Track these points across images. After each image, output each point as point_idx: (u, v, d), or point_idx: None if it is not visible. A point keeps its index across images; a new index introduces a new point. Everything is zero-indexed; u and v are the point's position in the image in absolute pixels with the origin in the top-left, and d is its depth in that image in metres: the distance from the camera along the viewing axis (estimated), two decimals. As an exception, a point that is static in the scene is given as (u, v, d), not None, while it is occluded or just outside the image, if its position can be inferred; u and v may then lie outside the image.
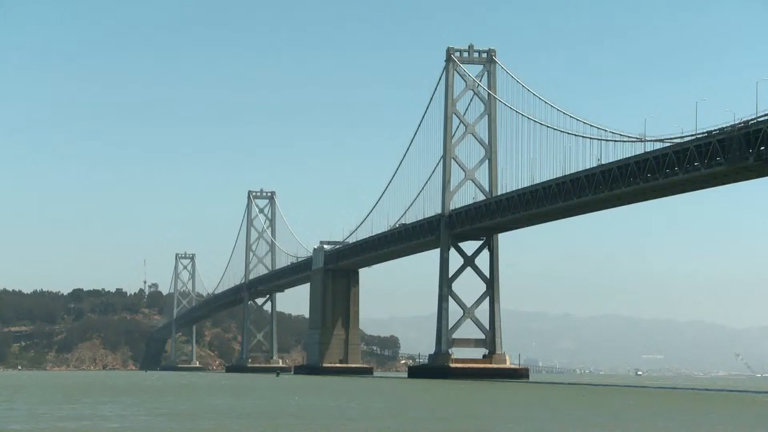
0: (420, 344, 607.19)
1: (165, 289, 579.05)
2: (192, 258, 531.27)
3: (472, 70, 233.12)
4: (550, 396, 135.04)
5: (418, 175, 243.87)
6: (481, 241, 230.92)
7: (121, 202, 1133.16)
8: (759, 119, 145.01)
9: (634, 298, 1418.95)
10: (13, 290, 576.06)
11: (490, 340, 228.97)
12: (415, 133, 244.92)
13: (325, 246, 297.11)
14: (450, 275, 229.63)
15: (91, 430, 68.65)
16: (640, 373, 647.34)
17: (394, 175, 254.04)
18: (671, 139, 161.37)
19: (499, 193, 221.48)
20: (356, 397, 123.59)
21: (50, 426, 71.54)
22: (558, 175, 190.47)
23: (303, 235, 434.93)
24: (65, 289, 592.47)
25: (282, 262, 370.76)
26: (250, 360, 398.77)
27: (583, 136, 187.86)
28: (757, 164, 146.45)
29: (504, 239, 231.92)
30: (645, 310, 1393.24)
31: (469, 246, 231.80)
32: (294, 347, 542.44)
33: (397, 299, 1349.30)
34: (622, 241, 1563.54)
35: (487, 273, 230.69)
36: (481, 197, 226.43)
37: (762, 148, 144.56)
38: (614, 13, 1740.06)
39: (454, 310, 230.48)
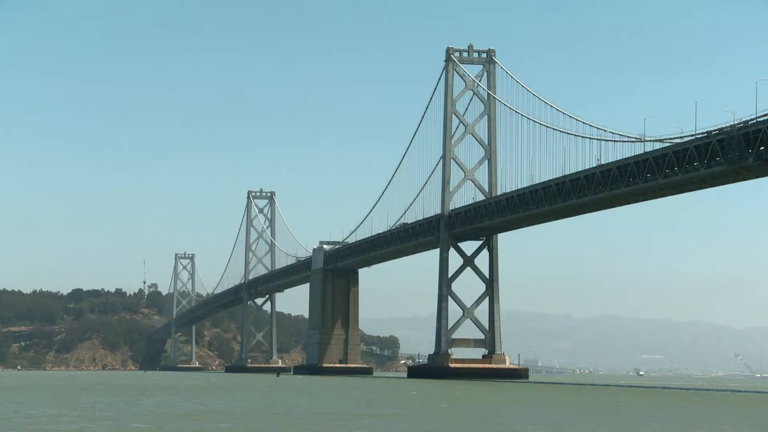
0: (420, 344, 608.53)
1: (164, 289, 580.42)
2: (191, 258, 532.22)
3: (472, 70, 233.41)
4: (561, 396, 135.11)
5: (417, 175, 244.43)
6: (481, 241, 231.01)
7: (121, 202, 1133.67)
8: (758, 119, 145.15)
9: (634, 299, 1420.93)
10: (13, 290, 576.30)
11: (489, 340, 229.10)
12: (415, 133, 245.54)
13: (325, 246, 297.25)
14: (449, 275, 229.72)
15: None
16: (641, 373, 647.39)
17: (393, 175, 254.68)
18: (671, 139, 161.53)
19: (498, 193, 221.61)
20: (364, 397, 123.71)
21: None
22: (557, 176, 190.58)
23: (302, 235, 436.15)
24: (65, 289, 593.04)
25: (281, 262, 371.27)
26: (249, 360, 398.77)
27: (583, 137, 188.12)
28: (756, 164, 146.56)
29: (503, 239, 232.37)
30: (644, 311, 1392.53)
31: (469, 246, 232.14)
32: (294, 347, 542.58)
33: (396, 299, 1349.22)
34: (621, 241, 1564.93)
35: (486, 273, 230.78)
36: (480, 197, 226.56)
37: (761, 148, 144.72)
38: (614, 13, 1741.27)
39: (453, 310, 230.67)
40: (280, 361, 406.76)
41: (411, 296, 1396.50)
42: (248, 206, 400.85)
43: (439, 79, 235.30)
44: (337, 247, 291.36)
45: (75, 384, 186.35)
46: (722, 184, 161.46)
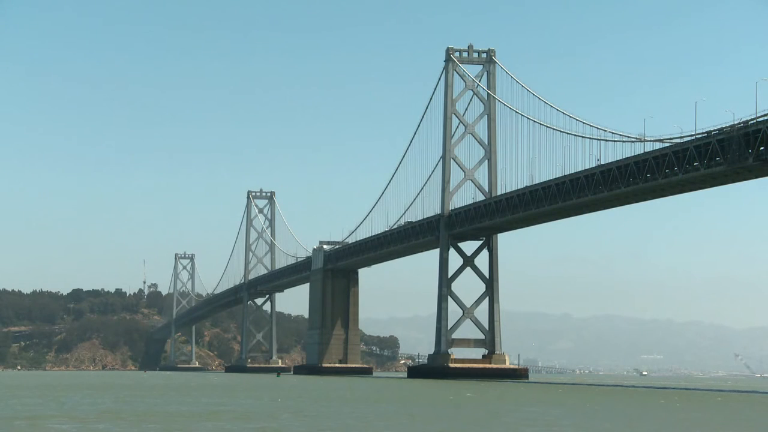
0: (419, 344, 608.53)
1: (164, 289, 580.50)
2: (191, 258, 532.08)
3: (472, 70, 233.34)
4: (573, 396, 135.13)
5: (417, 175, 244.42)
6: (481, 241, 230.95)
7: (121, 202, 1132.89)
8: (758, 119, 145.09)
9: (634, 299, 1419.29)
10: (13, 290, 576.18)
11: (489, 340, 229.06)
12: (415, 133, 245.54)
13: (325, 246, 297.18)
14: (449, 275, 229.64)
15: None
16: (644, 373, 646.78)
17: (393, 175, 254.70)
18: (671, 139, 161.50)
19: (498, 193, 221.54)
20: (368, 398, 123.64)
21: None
22: (557, 176, 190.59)
23: (302, 235, 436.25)
24: (64, 289, 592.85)
25: (281, 263, 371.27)
26: (249, 360, 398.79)
27: (583, 137, 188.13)
28: (756, 164, 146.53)
29: (503, 239, 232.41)
30: (644, 311, 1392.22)
31: (469, 246, 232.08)
32: (293, 347, 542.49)
33: (396, 299, 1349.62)
34: (621, 241, 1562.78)
35: (486, 273, 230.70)
36: (480, 197, 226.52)
37: (761, 148, 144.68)
38: (614, 14, 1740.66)
39: (453, 310, 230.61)
40: (279, 361, 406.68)
41: (411, 296, 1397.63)
42: (248, 206, 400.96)
43: (439, 79, 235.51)
44: (337, 247, 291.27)
45: (112, 384, 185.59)
46: (722, 184, 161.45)
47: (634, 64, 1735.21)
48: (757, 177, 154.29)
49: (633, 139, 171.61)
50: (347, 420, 79.09)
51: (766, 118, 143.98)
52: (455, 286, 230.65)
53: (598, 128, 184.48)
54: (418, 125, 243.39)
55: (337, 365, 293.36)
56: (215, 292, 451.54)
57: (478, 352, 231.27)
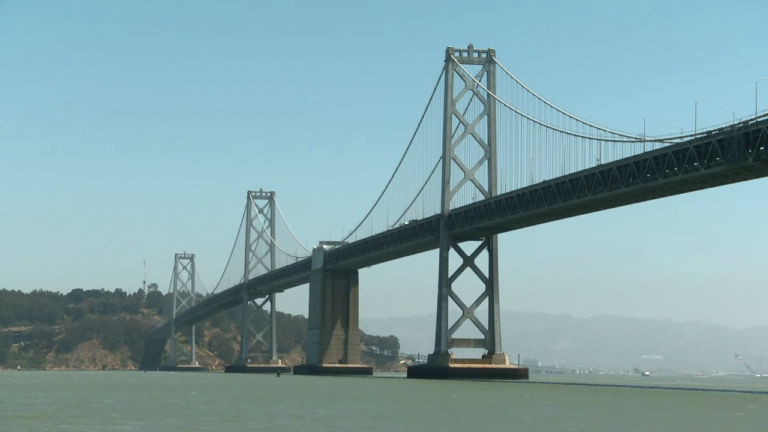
0: (419, 344, 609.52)
1: (164, 289, 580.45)
2: (191, 258, 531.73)
3: (472, 70, 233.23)
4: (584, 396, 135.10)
5: (417, 175, 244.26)
6: (481, 242, 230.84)
7: (121, 202, 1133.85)
8: (758, 119, 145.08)
9: (633, 299, 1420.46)
10: (13, 290, 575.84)
11: (489, 340, 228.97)
12: (415, 133, 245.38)
13: (325, 246, 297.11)
14: (449, 275, 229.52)
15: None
16: (646, 373, 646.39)
17: (393, 175, 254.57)
18: (671, 139, 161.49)
19: (498, 193, 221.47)
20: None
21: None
22: (557, 176, 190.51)
23: (302, 235, 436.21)
24: (64, 290, 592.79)
25: (281, 263, 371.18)
26: (249, 360, 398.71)
27: (583, 137, 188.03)
28: (756, 164, 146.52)
29: (503, 239, 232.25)
30: (644, 311, 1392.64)
31: (469, 246, 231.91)
32: (293, 347, 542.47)
33: (396, 299, 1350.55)
34: (621, 241, 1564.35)
35: (486, 273, 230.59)
36: (480, 197, 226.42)
37: (761, 148, 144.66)
38: (614, 13, 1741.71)
39: (453, 311, 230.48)
40: (279, 361, 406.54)
41: (411, 296, 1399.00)
42: (248, 206, 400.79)
43: (439, 79, 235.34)
44: (337, 247, 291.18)
45: (133, 384, 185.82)
46: (722, 184, 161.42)
47: (634, 64, 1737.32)
48: (757, 177, 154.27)
49: (633, 139, 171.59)
50: (353, 421, 79.13)
51: (766, 118, 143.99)
52: (455, 286, 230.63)
53: (598, 128, 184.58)
54: (418, 125, 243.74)
55: (337, 365, 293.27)
56: (215, 292, 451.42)
57: (478, 352, 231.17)
